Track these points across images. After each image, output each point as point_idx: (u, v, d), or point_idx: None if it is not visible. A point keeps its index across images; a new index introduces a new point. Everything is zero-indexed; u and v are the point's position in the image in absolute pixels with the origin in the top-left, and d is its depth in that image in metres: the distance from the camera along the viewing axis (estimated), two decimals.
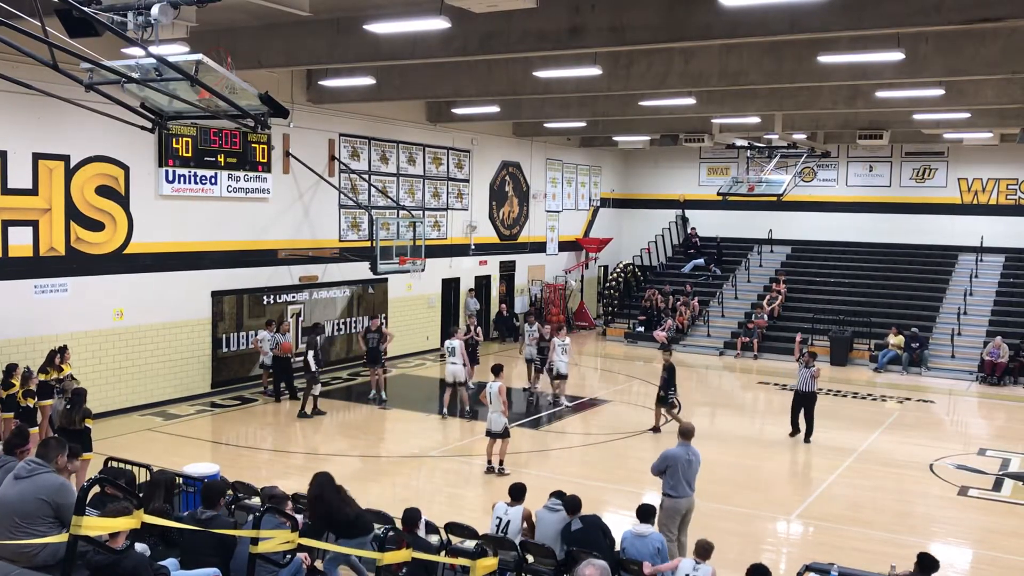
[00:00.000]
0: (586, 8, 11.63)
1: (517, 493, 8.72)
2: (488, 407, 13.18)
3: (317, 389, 16.54)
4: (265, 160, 18.23)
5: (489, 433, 13.11)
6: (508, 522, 8.39)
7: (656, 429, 15.62)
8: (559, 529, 8.20)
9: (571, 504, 8.27)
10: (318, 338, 17.24)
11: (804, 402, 15.51)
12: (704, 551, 7.79)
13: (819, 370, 15.93)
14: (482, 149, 25.18)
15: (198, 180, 16.87)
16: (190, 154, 16.65)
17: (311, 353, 16.49)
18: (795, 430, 15.72)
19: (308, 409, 16.44)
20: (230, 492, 9.19)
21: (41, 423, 13.01)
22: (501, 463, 13.02)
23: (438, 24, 10.88)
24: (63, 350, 13.98)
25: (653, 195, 32.32)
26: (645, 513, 8.11)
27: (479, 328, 19.97)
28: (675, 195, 31.76)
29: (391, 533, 7.58)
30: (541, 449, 14.85)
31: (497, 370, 13.41)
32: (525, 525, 8.46)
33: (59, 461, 6.13)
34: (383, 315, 21.32)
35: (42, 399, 13.13)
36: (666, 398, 15.58)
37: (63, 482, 5.93)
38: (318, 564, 7.43)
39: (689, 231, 31.20)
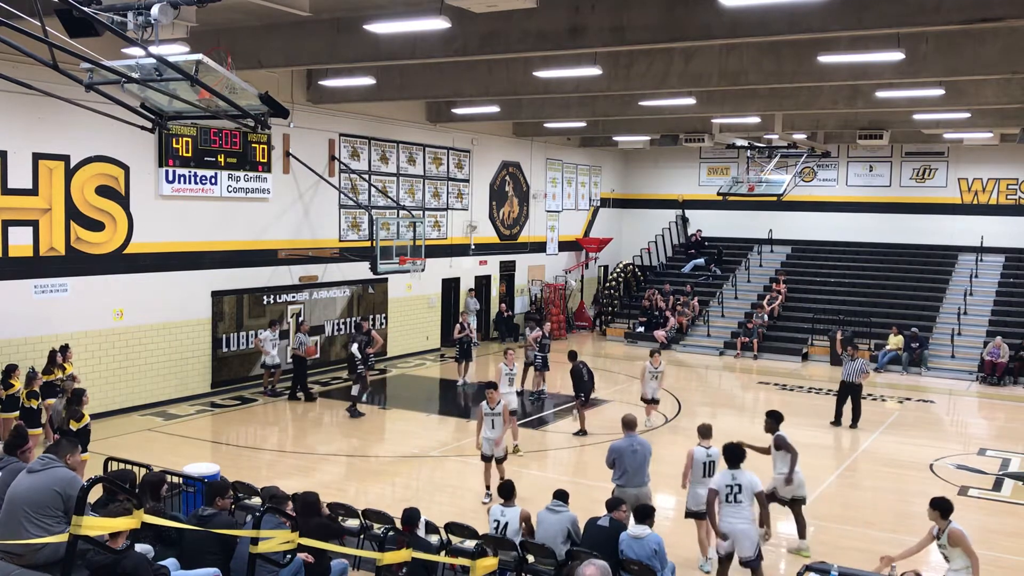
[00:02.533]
0: (586, 8, 11.63)
1: (507, 492, 8.59)
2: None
3: (355, 390, 16.64)
4: (265, 160, 18.23)
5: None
6: (506, 523, 8.36)
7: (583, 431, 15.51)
8: (561, 529, 8.19)
9: (612, 503, 8.35)
10: (362, 336, 17.20)
11: (850, 392, 16.59)
12: (705, 432, 9.87)
13: (867, 371, 17.10)
14: (482, 149, 25.19)
15: (198, 180, 16.87)
16: (190, 154, 16.65)
17: (355, 346, 16.70)
18: (838, 419, 16.69)
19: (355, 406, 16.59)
20: (230, 492, 9.20)
21: (44, 423, 13.01)
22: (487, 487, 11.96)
23: (438, 24, 10.88)
24: (64, 349, 13.99)
25: (653, 195, 32.33)
26: (643, 514, 8.10)
27: (472, 327, 19.91)
28: (675, 195, 31.77)
29: (391, 533, 7.59)
30: (540, 449, 14.85)
31: (492, 387, 12.10)
32: (523, 526, 8.43)
33: (69, 459, 6.26)
34: (384, 315, 21.32)
35: (46, 399, 13.12)
36: (585, 400, 15.51)
37: (75, 475, 6.06)
38: None
39: (692, 233, 31.19)
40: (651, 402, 16.24)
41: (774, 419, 10.51)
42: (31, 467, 6.07)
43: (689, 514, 9.83)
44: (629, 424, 9.99)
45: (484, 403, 11.79)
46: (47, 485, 5.83)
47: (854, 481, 13.54)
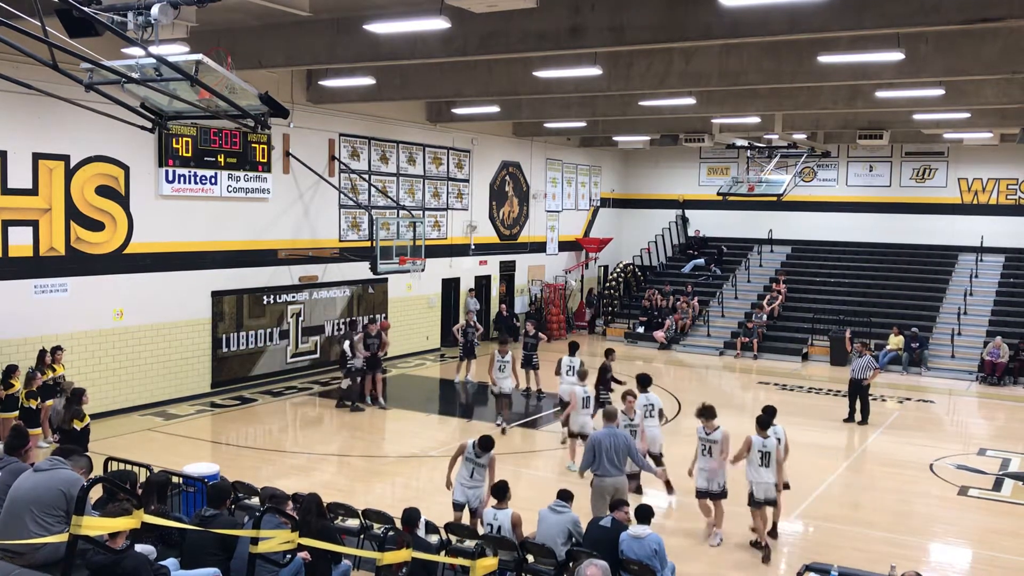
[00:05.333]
0: (586, 8, 11.63)
1: (500, 493, 8.51)
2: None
3: (345, 383, 16.89)
4: (265, 160, 18.23)
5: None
6: (499, 527, 8.31)
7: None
8: (562, 529, 8.17)
9: (615, 503, 8.40)
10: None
11: (858, 389, 16.90)
12: (584, 375, 13.35)
13: (875, 370, 17.29)
14: (482, 149, 25.19)
15: (198, 180, 16.87)
16: (190, 154, 16.65)
17: (347, 344, 16.92)
18: (851, 416, 17.06)
19: (348, 401, 16.79)
20: (232, 493, 9.20)
21: (42, 423, 13.02)
22: None
23: (438, 24, 10.88)
24: (55, 350, 13.94)
25: (653, 195, 32.32)
26: (643, 514, 8.10)
27: (478, 323, 20.02)
28: (675, 195, 31.77)
29: (391, 533, 7.58)
30: (540, 449, 14.85)
31: (487, 444, 9.62)
32: (516, 532, 8.35)
33: (80, 473, 6.27)
34: (384, 315, 21.31)
35: (45, 399, 13.12)
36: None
37: (79, 476, 6.09)
38: None
39: (692, 233, 31.23)
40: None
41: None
42: (38, 466, 6.08)
43: (573, 434, 13.01)
44: (609, 415, 10.22)
45: (471, 443, 9.65)
46: (53, 484, 5.85)
47: (854, 481, 13.55)
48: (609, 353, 15.48)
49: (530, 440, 15.35)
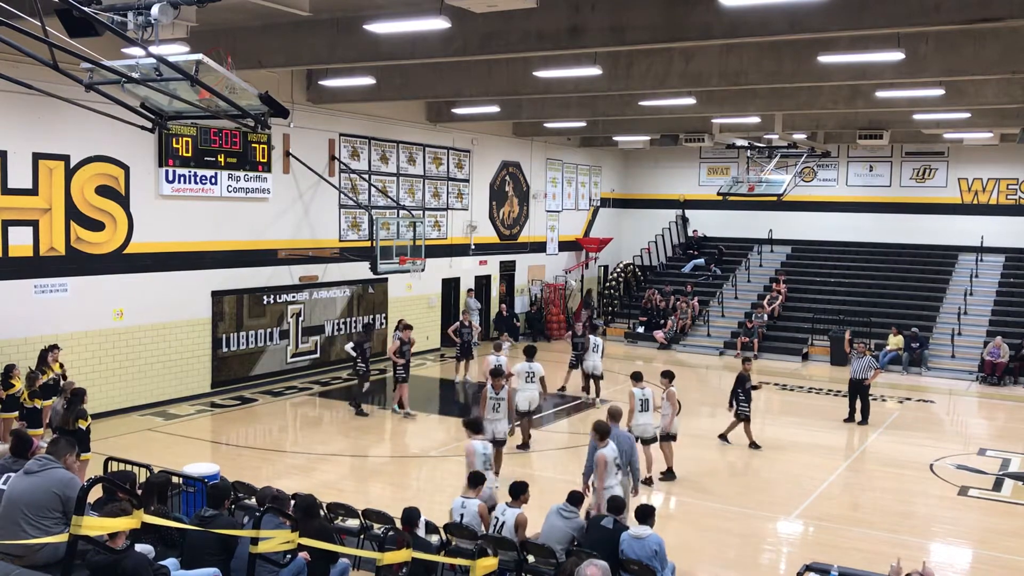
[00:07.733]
0: (586, 8, 11.63)
1: (516, 492, 8.51)
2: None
3: (365, 387, 16.91)
4: (265, 160, 18.23)
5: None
6: (503, 523, 8.30)
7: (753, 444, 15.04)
8: (568, 536, 8.14)
9: (615, 505, 8.36)
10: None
11: (858, 389, 16.88)
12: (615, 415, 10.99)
13: (876, 370, 17.36)
14: (482, 149, 25.18)
15: (198, 180, 16.87)
16: (190, 154, 16.65)
17: (349, 345, 17.32)
18: (851, 416, 17.00)
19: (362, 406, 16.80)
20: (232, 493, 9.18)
21: (45, 424, 13.00)
22: None
23: (438, 24, 10.88)
24: (51, 348, 13.90)
25: (653, 195, 32.32)
26: (644, 514, 8.10)
27: (474, 323, 20.11)
28: (675, 195, 31.78)
29: (391, 533, 7.58)
30: (542, 449, 14.84)
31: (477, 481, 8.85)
32: (519, 533, 8.33)
33: (67, 460, 6.25)
34: (384, 315, 21.31)
35: (46, 399, 13.10)
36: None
37: (73, 476, 6.05)
38: None
39: (691, 233, 31.23)
40: None
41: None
42: (28, 468, 6.05)
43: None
44: (614, 415, 10.23)
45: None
46: (45, 487, 5.83)
47: (854, 481, 13.54)
48: (745, 361, 15.40)
49: (538, 440, 15.32)
